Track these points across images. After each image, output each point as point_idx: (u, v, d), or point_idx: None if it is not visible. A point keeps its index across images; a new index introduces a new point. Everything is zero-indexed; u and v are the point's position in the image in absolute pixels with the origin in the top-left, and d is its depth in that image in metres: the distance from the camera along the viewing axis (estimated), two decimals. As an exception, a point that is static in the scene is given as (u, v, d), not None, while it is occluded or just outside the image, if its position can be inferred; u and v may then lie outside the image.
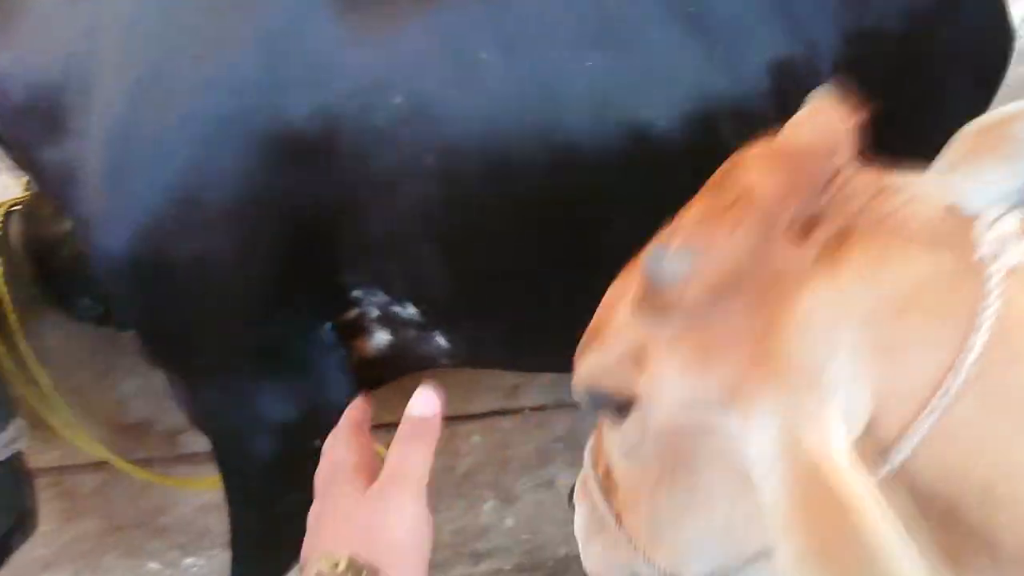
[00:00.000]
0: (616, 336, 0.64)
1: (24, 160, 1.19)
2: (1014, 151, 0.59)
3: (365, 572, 0.60)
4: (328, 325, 1.15)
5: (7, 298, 1.42)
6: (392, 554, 0.62)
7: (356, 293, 1.14)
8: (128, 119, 1.01)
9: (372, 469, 0.69)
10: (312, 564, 0.61)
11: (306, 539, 0.66)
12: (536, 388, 1.99)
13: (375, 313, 1.17)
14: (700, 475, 0.61)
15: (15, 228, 1.44)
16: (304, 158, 1.00)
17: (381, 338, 1.22)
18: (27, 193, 1.44)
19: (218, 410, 1.20)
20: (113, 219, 1.05)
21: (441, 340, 1.20)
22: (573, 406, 2.03)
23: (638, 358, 0.61)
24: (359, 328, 1.20)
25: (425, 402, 0.71)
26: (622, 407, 0.64)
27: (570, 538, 0.84)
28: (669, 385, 0.59)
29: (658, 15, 1.00)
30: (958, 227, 0.55)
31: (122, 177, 1.03)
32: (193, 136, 1.00)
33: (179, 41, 1.01)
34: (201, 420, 1.26)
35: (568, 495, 0.86)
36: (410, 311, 1.15)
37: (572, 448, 2.06)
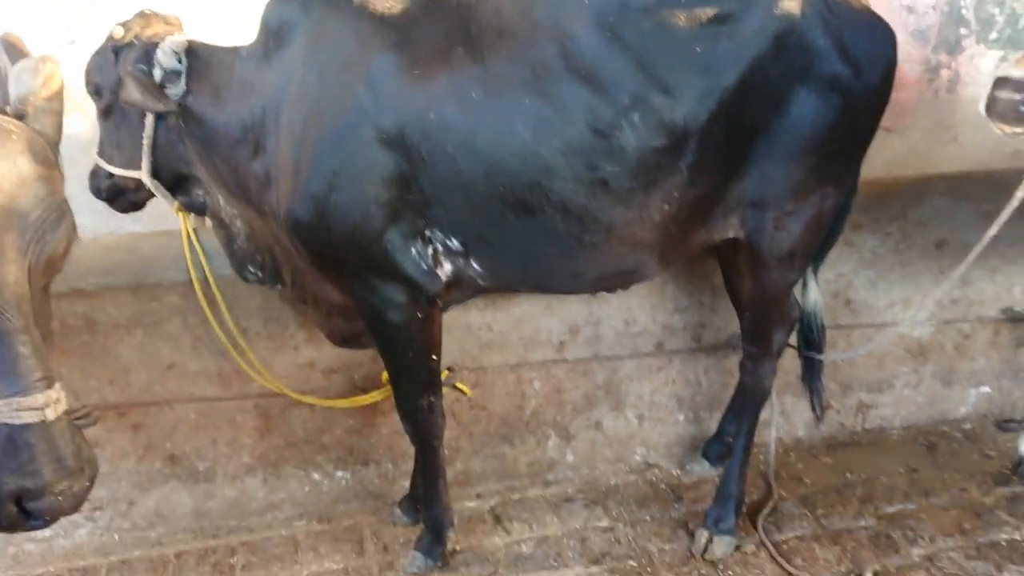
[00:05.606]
0: None
1: (232, 176, 2.10)
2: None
3: None
4: (414, 249, 1.98)
5: (214, 281, 2.38)
6: None
7: (427, 231, 1.96)
8: (302, 136, 1.90)
9: None
10: None
11: None
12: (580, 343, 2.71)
13: (440, 248, 1.99)
14: None
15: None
16: (391, 147, 1.86)
17: (447, 266, 2.03)
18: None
19: (362, 298, 2.07)
20: (296, 195, 1.94)
21: (476, 265, 2.00)
22: (608, 358, 2.72)
23: None
24: (436, 259, 2.02)
25: None
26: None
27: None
28: None
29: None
30: None
31: (299, 170, 1.92)
32: (336, 141, 1.88)
33: (328, 89, 1.90)
34: (357, 306, 2.12)
35: None
36: (455, 243, 1.96)
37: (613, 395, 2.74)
